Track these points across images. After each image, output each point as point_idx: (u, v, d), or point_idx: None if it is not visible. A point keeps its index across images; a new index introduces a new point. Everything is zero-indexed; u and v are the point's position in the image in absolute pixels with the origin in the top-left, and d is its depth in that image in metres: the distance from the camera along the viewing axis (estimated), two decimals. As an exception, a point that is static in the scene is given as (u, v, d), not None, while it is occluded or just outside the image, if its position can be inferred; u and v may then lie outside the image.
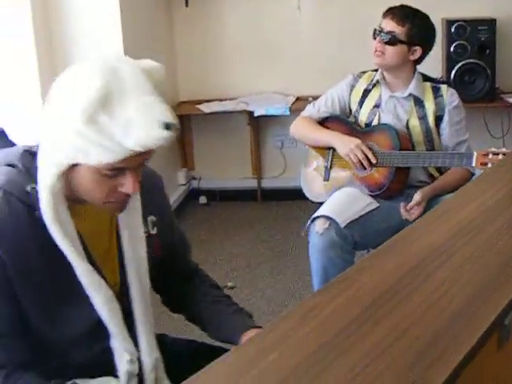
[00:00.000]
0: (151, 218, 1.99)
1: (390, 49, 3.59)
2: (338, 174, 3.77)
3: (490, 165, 3.31)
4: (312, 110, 3.86)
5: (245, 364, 1.17)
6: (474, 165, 3.39)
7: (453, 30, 5.41)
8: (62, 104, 1.65)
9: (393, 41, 3.57)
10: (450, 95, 3.65)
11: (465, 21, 5.45)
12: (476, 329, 1.23)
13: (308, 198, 3.93)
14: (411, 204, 3.49)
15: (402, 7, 3.65)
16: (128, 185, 1.72)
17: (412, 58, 3.64)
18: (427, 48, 3.66)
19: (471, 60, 5.45)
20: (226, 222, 5.70)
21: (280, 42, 6.04)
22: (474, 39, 5.44)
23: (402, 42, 3.57)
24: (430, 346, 1.19)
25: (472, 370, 1.16)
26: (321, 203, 3.72)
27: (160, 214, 2.03)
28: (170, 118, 1.63)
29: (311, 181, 3.90)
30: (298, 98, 5.95)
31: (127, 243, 1.91)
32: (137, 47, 5.03)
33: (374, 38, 3.64)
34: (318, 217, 3.49)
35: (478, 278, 1.45)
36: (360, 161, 3.57)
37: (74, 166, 1.69)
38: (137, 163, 1.70)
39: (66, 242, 1.74)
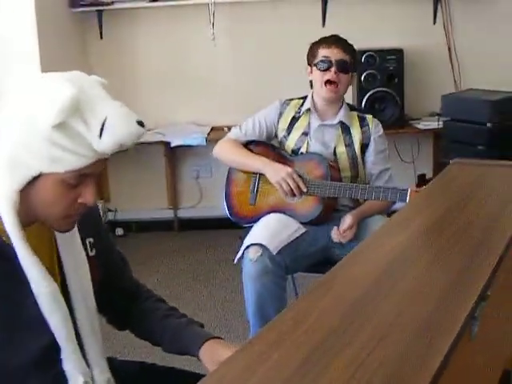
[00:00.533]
0: (89, 240, 2.00)
1: (344, 77, 3.66)
2: (265, 198, 3.80)
3: None
4: (239, 134, 3.87)
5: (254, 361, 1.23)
6: (407, 200, 3.46)
7: (363, 60, 5.56)
8: (27, 116, 1.65)
9: (346, 69, 3.65)
10: (375, 125, 3.76)
11: (374, 51, 5.63)
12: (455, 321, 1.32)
13: (233, 222, 3.94)
14: (344, 227, 3.57)
15: (338, 37, 3.72)
16: (89, 193, 1.74)
17: (350, 83, 3.76)
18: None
19: (381, 88, 5.63)
20: (144, 253, 5.65)
21: (195, 73, 6.10)
22: (383, 68, 5.62)
23: (351, 69, 3.68)
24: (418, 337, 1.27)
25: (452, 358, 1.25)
26: (245, 227, 3.79)
27: (97, 236, 2.04)
28: (139, 117, 1.71)
29: (236, 204, 3.91)
30: (212, 128, 6.00)
31: (70, 266, 1.91)
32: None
33: (324, 70, 3.65)
34: (250, 245, 3.50)
35: (445, 278, 1.54)
36: (291, 189, 3.64)
37: (34, 180, 1.69)
38: (100, 168, 1.73)
39: (35, 261, 1.74)
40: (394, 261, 1.65)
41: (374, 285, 1.53)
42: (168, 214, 6.33)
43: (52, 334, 1.82)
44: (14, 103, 1.70)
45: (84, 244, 1.97)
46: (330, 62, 3.64)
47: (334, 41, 3.67)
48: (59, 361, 1.86)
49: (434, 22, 5.87)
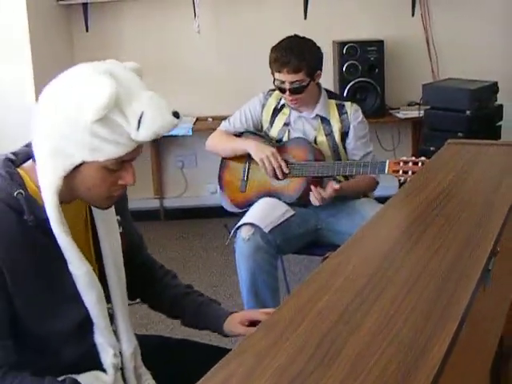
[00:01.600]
0: (117, 218, 2.09)
1: (301, 95, 3.76)
2: (254, 185, 3.94)
3: (401, 172, 3.57)
4: (228, 126, 4.02)
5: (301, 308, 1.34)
6: (386, 172, 3.62)
7: (344, 51, 5.68)
8: (69, 109, 1.73)
9: (301, 89, 3.73)
10: (354, 111, 3.86)
11: (355, 42, 5.74)
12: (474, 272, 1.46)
13: (226, 210, 4.06)
14: (328, 190, 3.64)
15: (288, 51, 3.70)
16: (128, 176, 1.85)
17: (316, 81, 3.84)
18: (322, 65, 3.86)
19: (362, 79, 5.74)
20: None
21: (180, 65, 6.18)
22: (364, 59, 5.73)
23: (308, 83, 3.74)
24: (435, 302, 1.39)
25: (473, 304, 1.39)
26: (236, 214, 3.92)
27: (123, 213, 2.14)
28: (173, 107, 1.80)
29: (228, 192, 4.05)
30: (197, 119, 6.10)
31: (104, 239, 2.02)
32: (43, 69, 5.14)
33: (280, 91, 3.77)
34: (242, 225, 3.63)
35: (459, 239, 1.68)
36: (273, 169, 3.76)
37: (77, 167, 1.78)
38: (138, 154, 1.83)
39: (70, 243, 1.84)
40: (406, 229, 1.80)
41: (394, 248, 1.67)
42: (154, 204, 6.43)
43: (86, 310, 1.93)
44: (55, 95, 1.78)
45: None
46: (284, 85, 3.73)
47: (283, 63, 3.70)
48: (92, 334, 1.97)
49: (413, 14, 6.01)
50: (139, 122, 1.74)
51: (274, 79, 3.77)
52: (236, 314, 2.23)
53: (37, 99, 1.81)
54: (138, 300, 2.37)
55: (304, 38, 3.83)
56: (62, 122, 1.75)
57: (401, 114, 5.93)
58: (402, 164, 3.58)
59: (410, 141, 6.19)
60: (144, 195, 6.38)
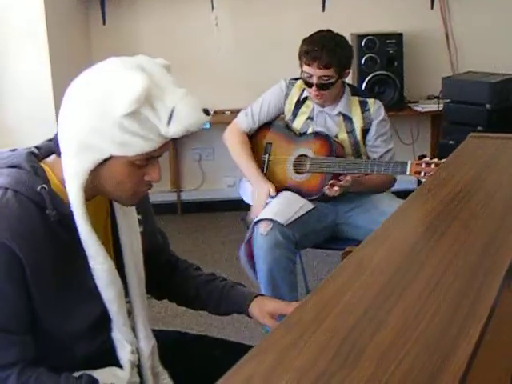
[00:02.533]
0: (138, 217, 2.07)
1: (327, 91, 3.73)
2: (274, 178, 3.91)
3: (422, 173, 3.54)
4: (250, 122, 3.97)
5: (325, 304, 1.32)
6: (408, 173, 3.59)
7: (363, 44, 5.66)
8: (98, 102, 1.71)
9: (328, 85, 3.70)
10: (376, 109, 3.83)
11: (374, 35, 5.71)
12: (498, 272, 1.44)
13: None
14: (341, 183, 3.62)
15: (320, 46, 3.65)
16: (155, 173, 1.83)
17: (344, 79, 3.82)
18: (351, 63, 3.83)
19: (381, 72, 5.72)
20: None
21: (197, 58, 6.15)
22: (382, 52, 5.71)
23: (335, 80, 3.70)
24: (460, 301, 1.36)
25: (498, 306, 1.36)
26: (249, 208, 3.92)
27: (145, 212, 2.13)
28: (204, 105, 1.78)
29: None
30: (214, 112, 6.07)
31: (125, 236, 2.00)
32: (60, 63, 5.12)
33: (307, 85, 3.74)
34: (260, 220, 3.60)
35: (481, 238, 1.65)
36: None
37: (104, 161, 1.76)
38: (166, 150, 1.81)
39: (94, 238, 1.83)
40: (430, 223, 1.77)
41: (418, 243, 1.64)
42: (171, 197, 6.40)
43: (105, 307, 1.91)
44: (85, 88, 1.76)
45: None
46: (311, 80, 3.70)
47: (315, 57, 3.66)
48: (109, 329, 1.96)
49: (432, 7, 5.97)
50: (170, 117, 1.72)
51: (302, 71, 3.74)
52: (268, 301, 2.17)
53: (54, 93, 1.80)
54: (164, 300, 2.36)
55: (337, 34, 3.80)
56: (91, 115, 1.72)
57: (420, 108, 5.88)
58: (424, 165, 3.55)
59: (429, 134, 6.16)
60: (161, 188, 6.35)
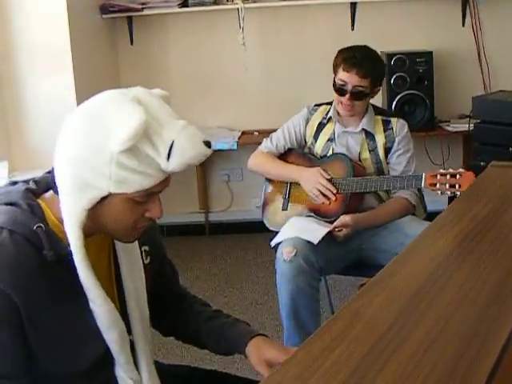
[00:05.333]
0: (144, 248, 2.03)
1: (358, 103, 3.68)
2: (296, 203, 3.86)
3: (438, 185, 3.45)
4: (270, 146, 3.94)
5: (312, 361, 1.24)
6: (422, 185, 3.51)
7: (392, 62, 5.57)
8: (94, 139, 1.65)
9: (362, 96, 3.65)
10: (400, 127, 3.77)
11: (404, 54, 5.63)
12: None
13: (267, 228, 3.99)
14: (336, 223, 3.59)
15: (361, 55, 3.64)
16: (155, 209, 1.78)
17: (373, 96, 3.77)
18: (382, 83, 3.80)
19: (411, 91, 5.62)
20: (175, 257, 5.57)
21: (225, 78, 6.14)
22: (412, 71, 5.61)
23: (368, 93, 3.66)
24: (475, 330, 1.29)
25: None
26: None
27: (152, 243, 2.07)
28: (205, 136, 1.72)
29: (270, 211, 3.99)
30: (243, 133, 6.04)
31: (127, 274, 1.95)
32: (87, 83, 5.12)
33: (339, 94, 3.67)
34: (284, 244, 3.53)
35: (493, 280, 1.57)
36: (322, 193, 3.68)
37: (102, 199, 1.71)
38: (167, 185, 1.75)
39: (93, 281, 1.76)
40: (440, 263, 1.68)
41: (424, 285, 1.56)
42: (199, 218, 6.37)
43: (107, 346, 1.85)
44: (81, 123, 1.70)
45: (140, 252, 2.00)
46: (346, 87, 3.64)
47: (354, 64, 3.61)
48: (111, 367, 1.90)
49: (463, 25, 5.87)
50: (169, 151, 1.65)
51: (335, 80, 3.68)
52: (267, 346, 2.05)
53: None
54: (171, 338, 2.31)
55: (374, 50, 3.78)
56: (87, 152, 1.66)
57: (451, 127, 5.78)
58: (439, 177, 3.46)
59: (461, 155, 6.04)
60: (189, 209, 6.35)
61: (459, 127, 5.73)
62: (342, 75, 3.64)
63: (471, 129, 5.39)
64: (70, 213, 1.73)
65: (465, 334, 1.32)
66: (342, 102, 3.69)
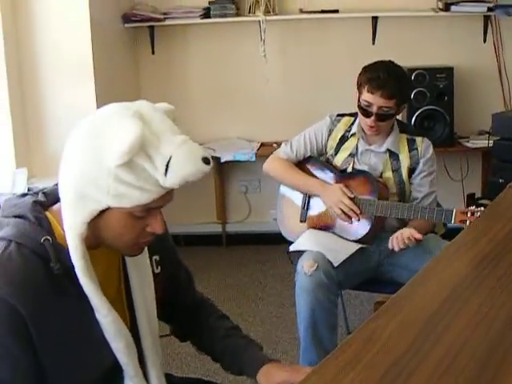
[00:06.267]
0: (155, 258, 2.03)
1: (384, 123, 3.63)
2: (315, 214, 3.83)
3: (468, 222, 3.40)
4: (289, 152, 3.89)
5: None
6: (453, 222, 3.47)
7: (413, 77, 5.53)
8: (94, 152, 1.66)
9: (387, 117, 3.60)
10: (425, 148, 3.72)
11: (424, 69, 5.61)
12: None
13: (285, 238, 3.97)
14: (405, 242, 3.50)
15: (386, 75, 3.54)
16: (156, 224, 1.77)
17: (400, 114, 3.73)
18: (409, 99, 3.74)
19: (431, 106, 5.60)
20: (191, 267, 5.58)
21: (245, 89, 6.14)
22: (432, 86, 5.59)
23: (394, 113, 3.62)
24: (491, 355, 1.27)
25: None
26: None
27: (163, 253, 2.08)
28: (205, 152, 1.71)
29: (287, 220, 3.96)
30: (262, 144, 6.04)
31: (136, 286, 1.95)
32: (108, 92, 5.14)
33: (364, 115, 3.61)
34: (305, 257, 3.52)
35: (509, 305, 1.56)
36: (345, 213, 3.65)
37: (102, 213, 1.71)
38: (168, 201, 1.75)
39: (96, 291, 1.77)
40: (457, 286, 1.68)
41: (441, 308, 1.55)
42: (216, 229, 6.36)
43: (115, 357, 1.86)
44: (82, 136, 1.70)
45: (150, 261, 2.00)
46: (371, 109, 3.57)
47: (379, 85, 3.53)
48: (121, 379, 1.90)
49: (484, 41, 5.85)
50: (167, 166, 1.65)
51: (360, 100, 3.62)
52: (276, 371, 2.04)
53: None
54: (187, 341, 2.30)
55: (399, 66, 3.70)
56: (86, 166, 1.67)
57: (470, 144, 5.75)
58: (469, 214, 3.43)
59: (480, 171, 6.00)
60: (207, 220, 6.35)
61: (479, 144, 5.70)
62: (367, 96, 3.57)
63: (490, 145, 5.36)
64: (70, 225, 1.74)
65: (481, 359, 1.31)
66: (369, 125, 3.65)
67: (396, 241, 3.52)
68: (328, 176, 3.82)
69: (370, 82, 3.56)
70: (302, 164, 3.90)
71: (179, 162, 1.66)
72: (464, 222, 3.43)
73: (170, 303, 2.11)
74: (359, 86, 3.65)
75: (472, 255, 1.86)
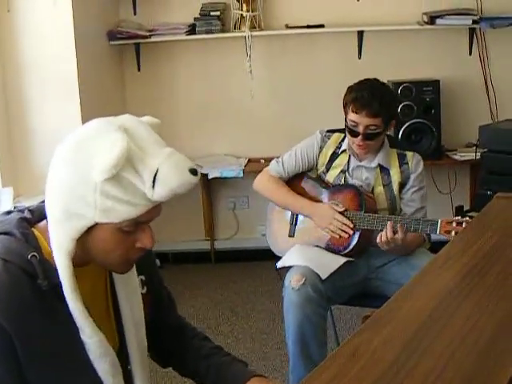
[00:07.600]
0: (141, 277, 2.00)
1: (372, 142, 3.61)
2: (304, 229, 3.82)
3: (453, 233, 3.38)
4: (280, 171, 3.87)
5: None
6: (438, 232, 3.44)
7: (399, 91, 5.55)
8: (79, 167, 1.64)
9: (375, 136, 3.58)
10: (415, 163, 3.72)
11: (410, 82, 5.62)
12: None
13: (275, 254, 3.95)
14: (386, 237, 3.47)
15: (370, 93, 3.53)
16: (146, 238, 1.75)
17: (388, 131, 3.72)
18: (397, 115, 3.72)
19: (418, 120, 5.60)
20: (180, 285, 5.63)
21: (232, 105, 6.14)
22: (419, 100, 5.60)
23: (382, 131, 3.60)
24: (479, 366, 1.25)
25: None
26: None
27: (149, 273, 2.05)
28: (192, 164, 1.69)
29: (276, 236, 3.94)
30: (249, 160, 6.03)
31: (125, 303, 1.92)
32: (93, 110, 5.11)
33: (352, 135, 3.60)
34: (292, 272, 3.50)
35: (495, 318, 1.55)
36: (339, 230, 3.63)
37: (89, 229, 1.69)
38: (156, 215, 1.73)
39: (81, 311, 1.74)
40: (444, 298, 1.66)
41: (427, 321, 1.54)
42: (205, 246, 6.33)
43: (100, 378, 1.82)
44: (68, 152, 1.68)
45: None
46: (358, 129, 3.56)
47: (363, 105, 3.51)
48: None
49: (470, 53, 5.86)
50: (154, 179, 1.63)
51: (347, 120, 3.62)
52: None
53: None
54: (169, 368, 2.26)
55: (384, 83, 3.71)
56: (72, 181, 1.65)
57: (458, 156, 5.75)
58: (454, 224, 3.41)
59: (468, 184, 6.00)
60: (195, 237, 6.32)
61: (466, 156, 5.70)
62: (353, 116, 3.56)
63: (478, 158, 5.36)
64: (58, 242, 1.71)
65: (469, 370, 1.29)
66: (355, 142, 3.64)
67: (385, 241, 3.47)
68: (319, 191, 3.81)
69: (355, 101, 3.56)
70: (293, 180, 3.89)
71: (166, 174, 1.64)
72: (449, 232, 3.41)
73: (153, 323, 2.07)
74: (345, 106, 3.65)
75: (459, 267, 1.83)
